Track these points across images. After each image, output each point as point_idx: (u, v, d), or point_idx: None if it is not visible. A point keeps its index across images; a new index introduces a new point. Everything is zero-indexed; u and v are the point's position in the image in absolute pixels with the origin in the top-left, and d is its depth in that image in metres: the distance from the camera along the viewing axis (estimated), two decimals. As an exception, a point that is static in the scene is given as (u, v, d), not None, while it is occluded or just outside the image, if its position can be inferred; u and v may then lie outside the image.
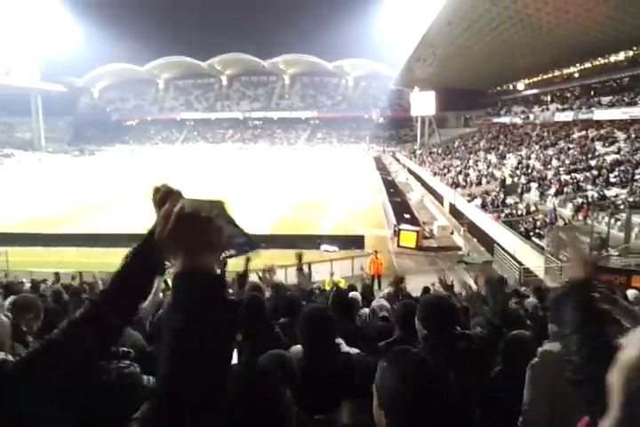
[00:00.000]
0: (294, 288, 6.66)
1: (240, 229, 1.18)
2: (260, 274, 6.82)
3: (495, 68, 51.26)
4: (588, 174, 26.19)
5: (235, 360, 1.42)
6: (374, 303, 5.03)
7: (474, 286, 10.72)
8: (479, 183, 33.60)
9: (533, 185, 27.70)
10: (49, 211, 30.98)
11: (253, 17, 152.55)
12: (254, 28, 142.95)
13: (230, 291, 4.15)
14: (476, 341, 2.69)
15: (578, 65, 49.24)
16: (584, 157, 30.20)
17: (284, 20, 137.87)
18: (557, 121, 44.46)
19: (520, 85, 63.67)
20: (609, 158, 28.04)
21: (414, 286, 10.44)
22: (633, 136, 30.63)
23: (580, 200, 22.04)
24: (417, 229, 23.62)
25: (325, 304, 4.29)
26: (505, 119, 58.61)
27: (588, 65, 47.64)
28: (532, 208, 23.20)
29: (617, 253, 15.79)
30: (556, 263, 15.81)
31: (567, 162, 30.59)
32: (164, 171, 57.12)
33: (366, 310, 5.75)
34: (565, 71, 52.19)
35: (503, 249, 19.53)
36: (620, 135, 32.22)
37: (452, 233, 25.43)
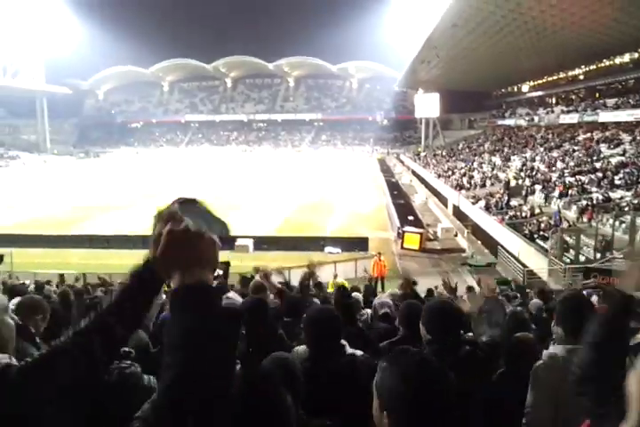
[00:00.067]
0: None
1: (214, 218, 1.23)
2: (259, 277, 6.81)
3: (500, 70, 51.18)
4: (592, 176, 26.11)
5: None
6: (375, 301, 5.02)
7: (477, 289, 10.70)
8: (483, 185, 33.53)
9: (538, 187, 27.63)
10: (53, 212, 31.09)
11: (258, 19, 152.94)
12: (259, 31, 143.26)
13: (232, 294, 4.15)
14: (482, 346, 2.69)
15: (583, 67, 49.14)
16: (589, 160, 30.12)
17: (288, 22, 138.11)
18: (562, 123, 44.36)
19: (525, 87, 63.59)
20: (614, 160, 27.96)
21: (418, 289, 10.41)
22: (638, 138, 30.54)
23: (584, 202, 21.97)
24: (421, 231, 23.60)
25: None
26: (509, 121, 58.50)
27: (593, 67, 47.55)
28: (537, 210, 23.14)
29: (621, 256, 15.72)
30: (560, 265, 15.78)
31: (572, 164, 30.50)
32: (168, 173, 57.29)
33: (368, 311, 5.74)
34: (570, 73, 52.10)
35: (507, 251, 19.48)
36: (626, 137, 32.12)
37: (455, 235, 25.40)
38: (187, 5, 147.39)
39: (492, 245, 21.80)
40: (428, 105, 69.46)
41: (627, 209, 19.33)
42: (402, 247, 22.73)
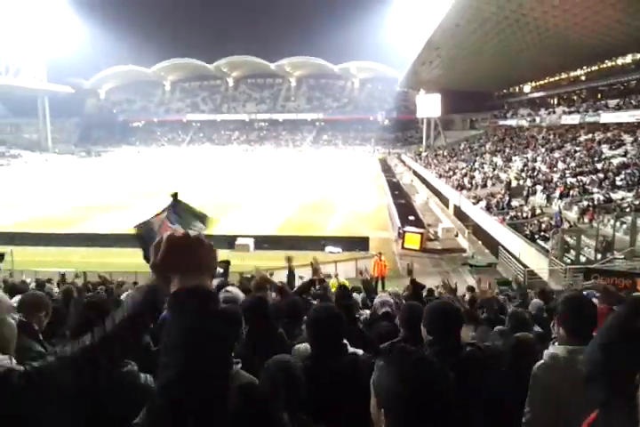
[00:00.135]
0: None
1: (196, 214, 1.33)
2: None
3: (501, 71, 51.16)
4: (594, 177, 26.09)
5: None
6: (376, 299, 5.02)
7: (476, 289, 10.70)
8: (484, 186, 33.52)
9: (539, 188, 27.61)
10: (54, 211, 31.13)
11: (260, 19, 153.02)
12: (261, 31, 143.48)
13: (231, 288, 4.16)
14: (483, 348, 2.70)
15: (585, 68, 49.11)
16: (590, 160, 30.09)
17: (290, 22, 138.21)
18: (564, 124, 44.32)
19: (527, 88, 63.55)
20: (615, 161, 27.93)
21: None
22: (640, 139, 30.52)
23: (585, 203, 21.95)
24: (421, 231, 23.59)
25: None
26: (511, 122, 58.46)
27: (594, 68, 47.52)
28: (538, 211, 23.13)
29: (622, 257, 15.72)
30: (561, 266, 15.77)
31: (573, 165, 30.48)
32: (169, 172, 57.33)
33: (367, 312, 5.74)
34: (572, 74, 52.07)
35: (508, 252, 19.47)
36: (627, 138, 32.09)
37: (456, 235, 25.39)
38: (188, 5, 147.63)
39: (492, 245, 21.80)
40: (429, 105, 69.44)
41: (628, 210, 19.30)
42: (402, 247, 22.73)
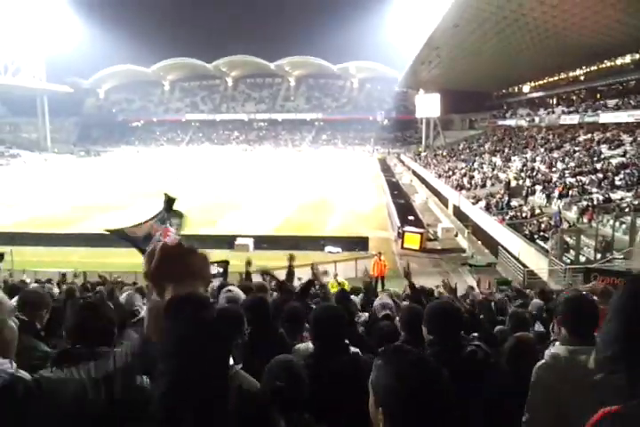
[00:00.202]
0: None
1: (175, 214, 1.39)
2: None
3: (501, 71, 51.19)
4: (593, 177, 26.10)
5: (230, 361, 1.45)
6: (376, 302, 5.01)
7: (477, 290, 10.70)
8: (484, 186, 33.54)
9: (538, 188, 27.63)
10: (53, 211, 31.10)
11: (259, 19, 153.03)
12: (260, 30, 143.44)
13: (232, 287, 4.17)
14: (483, 348, 2.70)
15: (584, 68, 49.14)
16: (589, 160, 30.11)
17: (289, 22, 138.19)
18: (563, 124, 44.36)
19: (526, 88, 63.56)
20: (614, 161, 27.95)
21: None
22: (639, 139, 30.51)
23: (584, 203, 21.96)
24: (421, 231, 23.58)
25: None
26: (510, 122, 58.50)
27: (594, 68, 47.55)
28: (537, 211, 23.14)
29: (622, 257, 15.73)
30: (560, 266, 15.77)
31: (572, 165, 30.50)
32: (168, 172, 57.31)
33: (366, 314, 5.73)
34: (571, 74, 52.10)
35: (507, 251, 19.48)
36: (626, 138, 32.11)
37: (456, 235, 25.40)
38: (188, 4, 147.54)
39: (492, 245, 21.81)
40: (428, 105, 69.46)
41: (627, 210, 19.30)
42: (402, 247, 22.73)
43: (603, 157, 30.11)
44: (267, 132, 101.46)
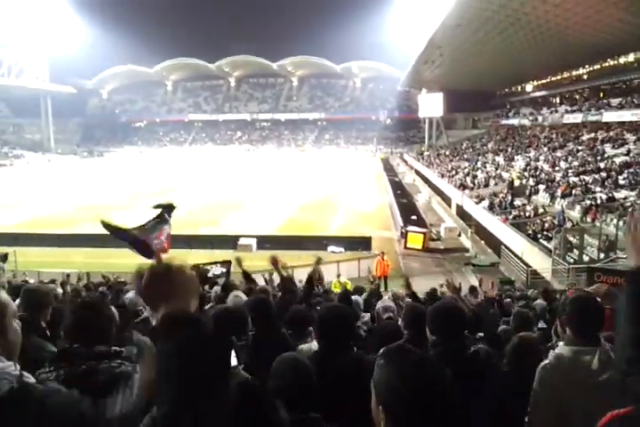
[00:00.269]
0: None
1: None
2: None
3: (503, 70, 51.09)
4: (596, 176, 26.04)
5: (234, 361, 1.46)
6: (379, 304, 5.02)
7: (479, 290, 10.68)
8: (487, 185, 33.49)
9: (541, 187, 27.57)
10: (57, 211, 31.17)
11: (262, 19, 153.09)
12: (262, 31, 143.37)
13: (238, 293, 4.19)
14: (485, 349, 2.70)
15: (587, 66, 49.02)
16: (593, 159, 30.04)
17: (292, 22, 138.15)
18: (566, 123, 44.25)
19: (529, 87, 63.44)
20: (618, 160, 27.88)
21: (421, 288, 10.41)
22: (643, 138, 30.45)
23: (588, 202, 21.91)
24: (424, 230, 23.55)
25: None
26: (513, 121, 58.40)
27: (597, 66, 47.41)
28: (540, 210, 23.10)
29: (625, 256, 15.65)
30: (564, 265, 15.74)
31: (576, 164, 30.43)
32: (172, 172, 57.42)
33: (368, 315, 5.73)
34: (574, 73, 51.94)
35: (510, 251, 19.45)
36: (630, 137, 32.02)
37: (459, 235, 25.35)
38: (190, 5, 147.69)
39: (495, 244, 21.77)
40: (431, 104, 69.40)
41: (631, 209, 19.25)
42: (405, 247, 22.70)
43: (606, 155, 30.03)
44: (269, 132, 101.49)
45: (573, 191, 24.58)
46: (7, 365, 1.36)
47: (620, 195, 22.41)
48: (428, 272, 18.79)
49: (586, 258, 16.38)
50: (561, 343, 2.46)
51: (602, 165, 28.24)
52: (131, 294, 4.99)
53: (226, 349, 1.25)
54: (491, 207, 25.93)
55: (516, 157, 40.08)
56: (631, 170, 25.07)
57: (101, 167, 66.43)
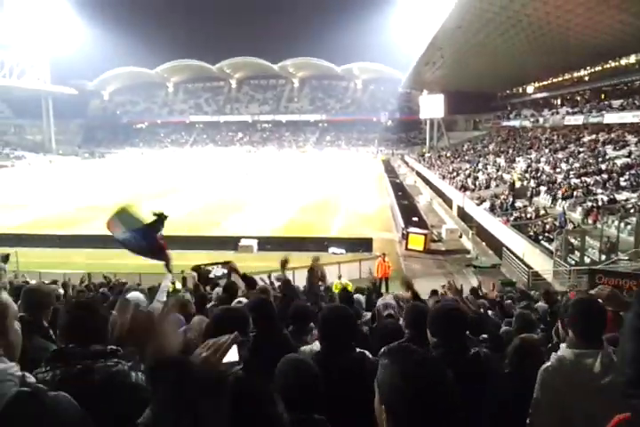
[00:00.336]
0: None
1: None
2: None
3: (505, 72, 51.10)
4: (598, 178, 26.02)
5: (235, 356, 1.46)
6: (379, 302, 5.01)
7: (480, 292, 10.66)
8: (488, 187, 33.48)
9: (543, 189, 27.56)
10: (58, 212, 31.19)
11: (263, 21, 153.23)
12: (264, 32, 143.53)
13: (242, 299, 4.21)
14: (486, 351, 2.69)
15: (588, 68, 49.02)
16: (594, 161, 30.02)
17: (293, 23, 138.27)
18: (567, 124, 44.24)
19: (530, 88, 63.44)
20: (619, 162, 27.86)
21: (422, 290, 10.39)
22: (644, 140, 30.43)
23: (589, 204, 21.89)
24: (425, 232, 23.54)
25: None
26: (514, 122, 58.40)
27: (598, 68, 47.42)
28: (542, 212, 23.08)
29: (627, 258, 15.66)
30: (565, 267, 15.72)
31: (577, 166, 30.41)
32: (173, 174, 57.45)
33: (369, 314, 5.73)
34: (575, 74, 51.96)
35: (512, 253, 19.42)
36: (631, 139, 32.00)
37: (460, 236, 25.33)
38: (192, 6, 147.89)
39: (496, 246, 21.75)
40: (432, 106, 69.41)
41: (632, 211, 19.24)
42: (406, 248, 22.68)
43: (607, 157, 30.01)
44: (270, 134, 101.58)
45: (575, 193, 24.57)
46: (10, 366, 1.36)
47: (621, 197, 22.40)
48: (430, 274, 18.78)
49: (587, 260, 16.36)
50: (563, 346, 2.45)
51: (603, 166, 28.23)
52: (132, 294, 4.98)
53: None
54: (492, 209, 25.92)
55: (517, 159, 40.07)
56: (632, 171, 25.05)
57: (103, 168, 66.49)
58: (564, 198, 24.38)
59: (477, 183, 35.23)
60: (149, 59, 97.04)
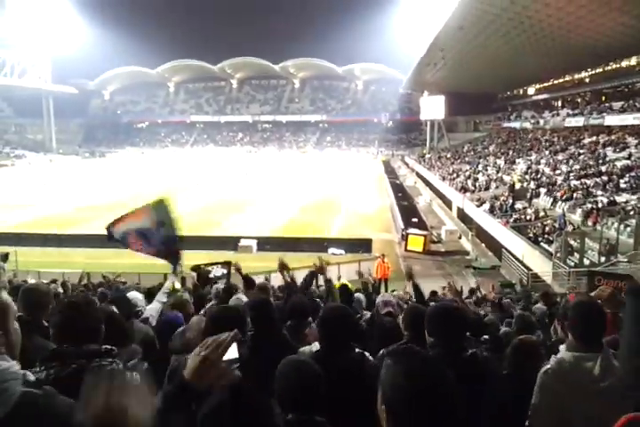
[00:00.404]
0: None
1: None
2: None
3: (505, 73, 51.10)
4: (598, 180, 26.01)
5: (235, 354, 1.46)
6: (378, 299, 5.01)
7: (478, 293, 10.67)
8: (488, 188, 33.47)
9: (543, 190, 27.56)
10: (58, 212, 31.19)
11: (264, 21, 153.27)
12: (265, 32, 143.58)
13: (240, 295, 4.22)
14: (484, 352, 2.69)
15: (589, 70, 49.02)
16: (594, 163, 30.01)
17: (294, 24, 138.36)
18: (568, 126, 44.23)
19: (531, 90, 63.47)
20: (619, 164, 27.84)
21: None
22: (644, 142, 30.41)
23: (589, 206, 21.87)
24: (425, 233, 23.55)
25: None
26: (515, 124, 58.40)
27: (599, 70, 47.42)
28: (541, 213, 23.07)
29: (626, 260, 15.66)
30: (564, 269, 15.72)
31: (577, 167, 30.40)
32: (173, 173, 57.44)
33: (369, 314, 5.73)
34: (576, 76, 51.98)
35: (511, 254, 19.42)
36: (632, 141, 31.98)
37: (459, 237, 25.34)
38: (193, 6, 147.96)
39: (496, 247, 21.75)
40: (433, 107, 69.40)
41: (632, 213, 19.23)
42: (406, 249, 22.68)
43: (608, 159, 30.00)
44: (271, 134, 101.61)
45: (574, 195, 24.56)
46: (12, 364, 1.37)
47: (621, 199, 22.37)
48: (429, 275, 18.76)
49: (586, 262, 16.35)
50: (562, 348, 2.45)
51: (603, 168, 28.22)
52: (130, 294, 4.99)
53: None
54: (491, 210, 25.91)
55: (517, 161, 40.06)
56: (632, 174, 25.03)
57: (103, 168, 66.50)
58: (563, 200, 24.37)
59: (477, 185, 35.23)
60: (150, 58, 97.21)
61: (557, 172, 31.17)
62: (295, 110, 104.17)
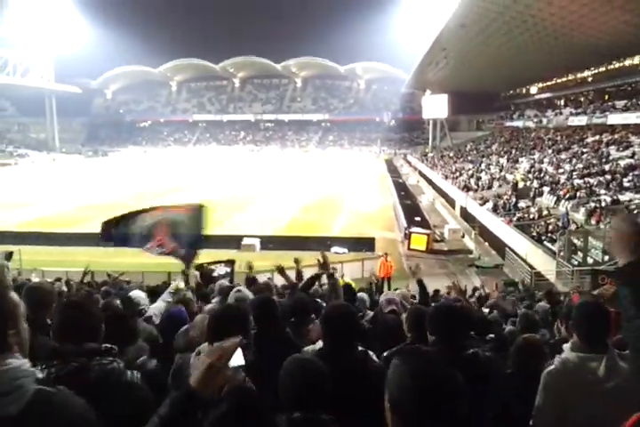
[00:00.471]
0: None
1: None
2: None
3: (508, 72, 51.00)
4: (601, 179, 25.95)
5: (241, 360, 1.46)
6: (382, 297, 5.00)
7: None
8: (491, 187, 33.43)
9: (546, 189, 27.51)
10: (61, 210, 31.24)
11: (266, 20, 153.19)
12: (267, 31, 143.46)
13: (242, 288, 4.23)
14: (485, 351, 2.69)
15: (592, 69, 48.86)
16: (598, 162, 29.94)
17: (296, 23, 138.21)
18: (571, 125, 44.12)
19: (533, 89, 63.33)
20: (623, 163, 27.77)
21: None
22: (647, 140, 30.33)
23: (592, 204, 21.83)
24: (428, 232, 23.53)
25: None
26: (518, 123, 58.27)
27: (602, 69, 47.27)
28: (545, 212, 23.04)
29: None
30: (568, 268, 15.69)
31: (580, 166, 30.34)
32: (175, 172, 57.50)
33: (371, 313, 5.72)
34: (579, 75, 51.84)
35: (514, 253, 19.40)
36: (635, 140, 31.90)
37: (462, 236, 25.31)
38: (195, 5, 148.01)
39: (499, 246, 21.72)
40: (435, 106, 69.35)
41: (635, 211, 19.18)
42: (409, 248, 22.66)
43: (611, 158, 29.93)
44: (273, 133, 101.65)
45: (578, 193, 24.51)
46: (24, 362, 1.37)
47: (624, 197, 22.32)
48: (432, 274, 18.72)
49: (590, 260, 16.31)
50: (567, 347, 2.44)
51: (606, 167, 28.15)
52: (133, 292, 5.00)
53: None
54: (495, 209, 25.88)
55: (520, 159, 39.99)
56: (636, 172, 24.96)
57: (106, 167, 66.60)
58: (567, 199, 24.32)
59: (480, 183, 35.18)
60: (153, 58, 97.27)
61: (561, 170, 31.10)
62: (297, 109, 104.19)
